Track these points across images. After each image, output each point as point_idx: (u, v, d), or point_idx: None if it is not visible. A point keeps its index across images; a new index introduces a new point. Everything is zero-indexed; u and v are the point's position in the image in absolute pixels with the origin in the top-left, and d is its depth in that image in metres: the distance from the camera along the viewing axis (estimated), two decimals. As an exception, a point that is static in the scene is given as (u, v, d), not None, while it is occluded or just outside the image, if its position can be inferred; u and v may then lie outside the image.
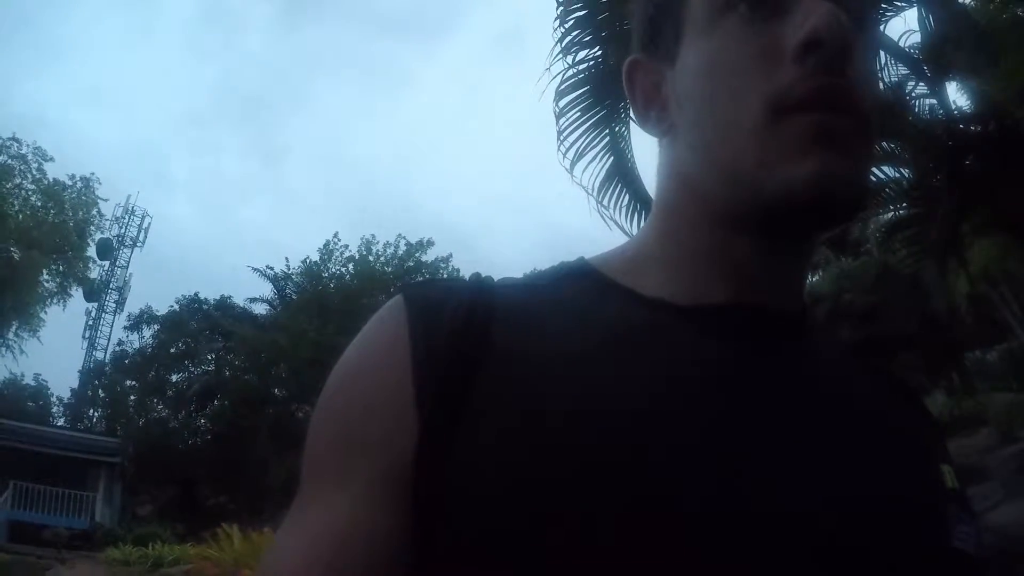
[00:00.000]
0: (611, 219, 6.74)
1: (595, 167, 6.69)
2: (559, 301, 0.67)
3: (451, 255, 33.34)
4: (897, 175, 7.92)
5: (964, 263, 7.90)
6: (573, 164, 6.60)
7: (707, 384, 0.61)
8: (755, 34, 0.63)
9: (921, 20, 7.05)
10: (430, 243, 32.64)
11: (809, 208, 0.60)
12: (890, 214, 9.06)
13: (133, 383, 32.75)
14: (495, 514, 0.53)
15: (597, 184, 6.72)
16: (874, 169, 7.76)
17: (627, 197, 7.00)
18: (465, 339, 0.60)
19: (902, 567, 0.57)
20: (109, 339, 36.59)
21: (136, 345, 33.90)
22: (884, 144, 7.61)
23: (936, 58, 6.93)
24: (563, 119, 6.46)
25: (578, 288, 0.69)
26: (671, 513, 0.53)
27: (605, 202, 6.89)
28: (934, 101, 7.25)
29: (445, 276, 31.96)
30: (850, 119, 0.61)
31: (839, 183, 0.60)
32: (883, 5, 6.41)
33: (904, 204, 8.22)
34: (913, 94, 7.11)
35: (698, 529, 0.53)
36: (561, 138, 6.53)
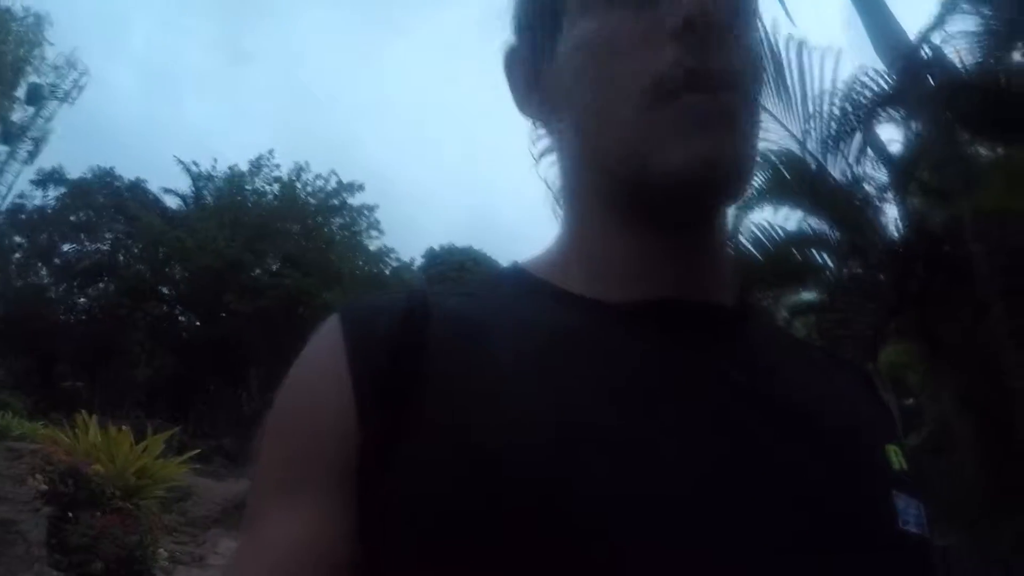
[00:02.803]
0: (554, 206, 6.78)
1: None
2: (492, 307, 0.67)
3: (378, 205, 32.74)
4: (825, 263, 8.20)
5: (875, 360, 8.20)
6: (542, 155, 6.59)
7: (637, 387, 0.60)
8: (632, 18, 0.63)
9: (907, 135, 7.35)
10: (360, 187, 31.82)
11: (696, 188, 0.61)
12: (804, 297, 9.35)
13: (23, 241, 31.10)
14: (422, 536, 0.54)
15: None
16: (813, 252, 8.09)
17: None
18: (401, 349, 0.61)
19: (850, 557, 0.56)
20: (11, 189, 34.60)
21: (37, 203, 32.22)
22: (833, 232, 7.91)
23: (910, 171, 7.21)
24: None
25: (512, 292, 0.71)
26: (596, 550, 0.52)
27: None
28: (894, 209, 7.54)
29: (365, 225, 31.98)
30: (729, 98, 0.61)
31: (723, 162, 0.61)
32: (879, 111, 6.64)
33: (824, 291, 8.49)
34: (882, 197, 7.37)
35: (623, 559, 0.52)
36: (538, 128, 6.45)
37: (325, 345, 0.64)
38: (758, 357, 0.68)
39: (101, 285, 29.48)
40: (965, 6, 6.07)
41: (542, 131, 0.77)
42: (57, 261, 30.56)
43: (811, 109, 6.86)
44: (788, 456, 0.59)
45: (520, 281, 0.73)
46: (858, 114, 6.68)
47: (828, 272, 8.27)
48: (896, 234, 7.40)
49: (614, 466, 0.55)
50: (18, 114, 30.17)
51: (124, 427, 11.16)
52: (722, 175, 0.62)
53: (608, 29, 0.65)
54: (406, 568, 0.54)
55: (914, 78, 5.96)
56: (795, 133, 7.13)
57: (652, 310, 0.65)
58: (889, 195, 7.39)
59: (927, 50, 6.16)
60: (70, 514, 8.26)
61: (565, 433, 0.55)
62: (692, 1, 0.60)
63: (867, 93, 6.53)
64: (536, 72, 0.73)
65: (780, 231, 7.87)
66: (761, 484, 0.56)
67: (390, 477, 0.56)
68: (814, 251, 8.15)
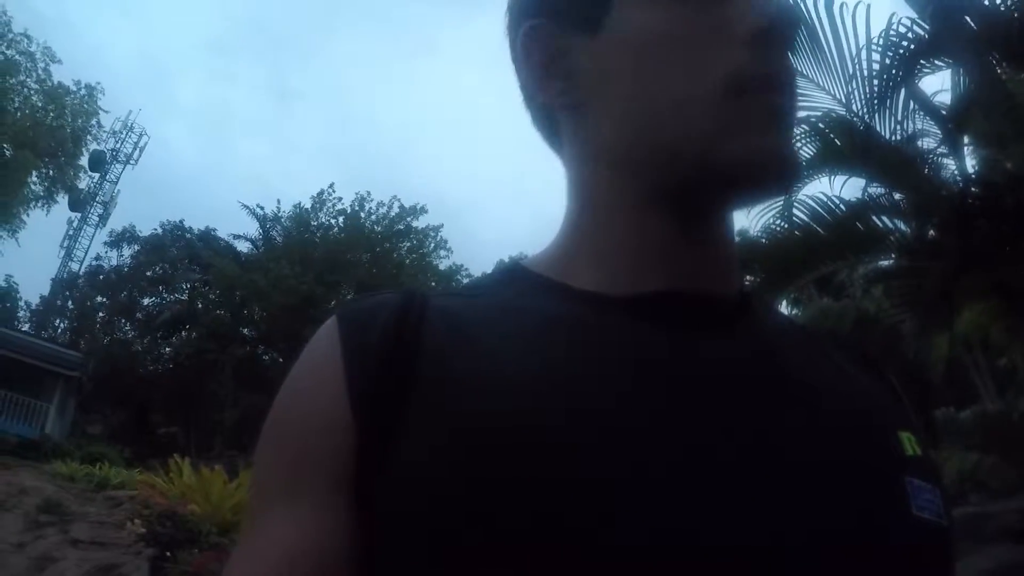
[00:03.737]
0: None
1: None
2: (491, 305, 0.67)
3: (442, 225, 33.12)
4: (893, 226, 7.97)
5: (951, 323, 7.94)
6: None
7: (640, 378, 0.59)
8: (705, 11, 0.64)
9: (954, 82, 7.10)
10: (423, 210, 32.28)
11: (760, 177, 0.63)
12: (880, 263, 9.12)
13: (104, 300, 32.39)
14: (421, 538, 0.53)
15: None
16: (875, 218, 7.87)
17: None
18: (396, 351, 0.60)
19: (860, 544, 0.55)
20: (87, 252, 35.98)
21: (114, 263, 33.55)
22: (892, 195, 7.69)
23: (962, 121, 6.96)
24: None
25: (511, 289, 0.70)
26: (599, 547, 0.51)
27: None
28: (951, 162, 7.30)
29: (433, 245, 32.16)
30: (791, 103, 0.65)
31: (789, 159, 0.64)
32: (921, 61, 6.44)
33: (893, 256, 8.26)
34: (937, 152, 7.15)
35: (628, 552, 0.51)
36: None
37: (321, 348, 0.64)
38: (764, 346, 0.67)
39: (183, 334, 30.41)
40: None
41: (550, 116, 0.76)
42: (139, 316, 31.78)
43: (851, 69, 6.69)
44: (796, 443, 0.58)
45: (519, 278, 0.72)
46: (900, 67, 6.48)
47: (893, 237, 8.02)
48: (956, 188, 7.15)
49: (617, 460, 0.54)
50: (84, 182, 31.36)
51: (217, 467, 11.48)
52: (786, 169, 0.64)
53: (676, 21, 0.65)
54: (406, 571, 0.54)
55: (950, 21, 5.76)
56: (839, 96, 6.96)
57: (656, 301, 0.65)
58: (944, 149, 7.15)
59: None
60: (169, 553, 8.52)
61: (565, 429, 0.55)
62: (772, 10, 0.63)
63: (904, 43, 6.34)
64: (563, 55, 0.71)
65: (838, 200, 7.69)
66: (768, 472, 0.56)
67: (387, 479, 0.56)
68: (876, 217, 7.93)
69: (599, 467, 0.53)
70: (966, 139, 7.27)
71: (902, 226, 7.91)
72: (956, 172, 7.32)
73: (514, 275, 0.73)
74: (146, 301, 32.39)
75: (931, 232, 7.41)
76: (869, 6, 6.24)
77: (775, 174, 0.63)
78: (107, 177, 35.18)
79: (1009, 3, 6.03)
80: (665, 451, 0.54)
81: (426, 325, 0.63)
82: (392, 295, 0.68)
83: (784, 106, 0.64)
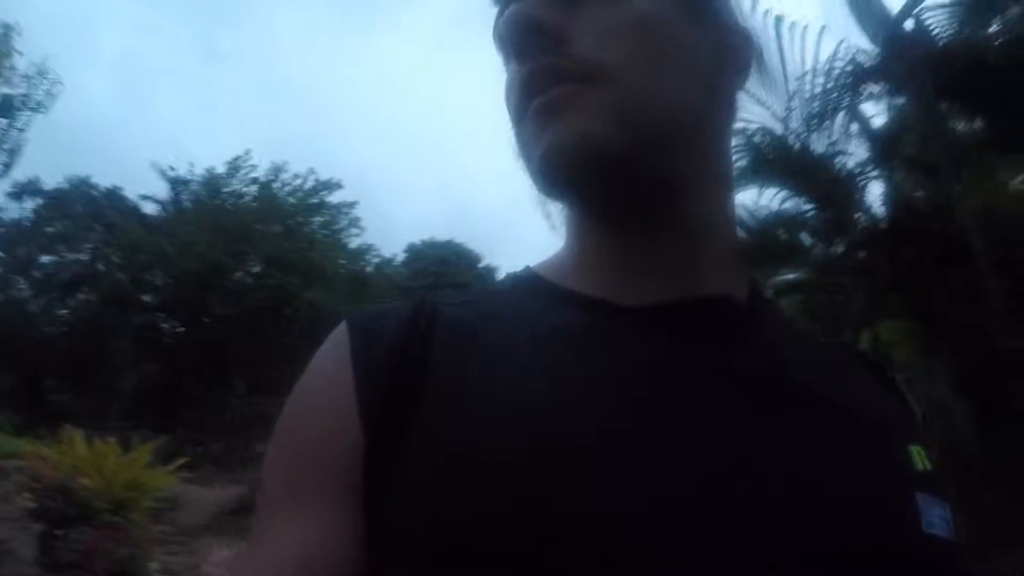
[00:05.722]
0: (544, 206, 6.87)
1: None
2: (501, 312, 0.68)
3: (357, 203, 32.56)
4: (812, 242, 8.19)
5: (877, 338, 8.20)
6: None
7: (647, 386, 0.59)
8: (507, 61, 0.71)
9: (890, 109, 7.36)
10: (339, 185, 31.50)
11: (554, 181, 0.65)
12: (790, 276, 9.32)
13: (0, 255, 30.84)
14: (428, 544, 0.53)
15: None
16: (798, 234, 8.08)
17: None
18: (405, 359, 0.61)
19: (871, 560, 0.55)
20: (-14, 202, 34.29)
21: (13, 216, 31.89)
22: (818, 212, 7.89)
23: (895, 147, 7.20)
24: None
25: (523, 296, 0.71)
26: (601, 555, 0.50)
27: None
28: (880, 186, 7.53)
29: (345, 222, 31.82)
30: (560, 89, 0.63)
31: (559, 150, 0.63)
32: (864, 86, 6.63)
33: (804, 270, 8.48)
34: (868, 174, 7.35)
35: (631, 565, 0.50)
36: None
37: (331, 355, 0.65)
38: (772, 353, 0.66)
39: (82, 296, 29.18)
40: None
41: None
42: (36, 274, 30.23)
43: (793, 88, 6.81)
44: (803, 454, 0.58)
45: (531, 285, 0.73)
46: (842, 90, 6.65)
47: (816, 251, 8.24)
48: (883, 211, 7.40)
49: (624, 468, 0.54)
50: (-11, 126, 29.73)
51: (111, 439, 11.02)
52: (563, 162, 0.63)
53: (508, 72, 0.71)
54: None
55: (898, 51, 5.94)
56: (778, 112, 7.07)
57: (660, 310, 0.65)
58: (875, 172, 7.38)
59: (911, 23, 6.15)
60: (60, 531, 8.16)
61: (573, 437, 0.55)
62: (504, 20, 0.66)
63: (850, 68, 6.51)
64: None
65: (765, 210, 7.87)
66: (777, 484, 0.55)
67: (392, 497, 0.56)
68: (797, 233, 8.14)
69: (604, 501, 0.52)
70: (899, 164, 7.51)
71: (818, 242, 8.15)
72: (885, 195, 7.56)
73: (527, 282, 0.74)
74: (45, 259, 30.71)
75: (859, 252, 7.62)
76: (823, 27, 6.41)
77: (565, 168, 0.64)
78: (15, 124, 33.18)
79: (945, 39, 6.26)
80: (675, 480, 0.54)
81: (435, 334, 0.63)
82: (403, 303, 0.69)
83: (540, 105, 0.64)
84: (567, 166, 0.63)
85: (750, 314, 0.69)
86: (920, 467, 0.64)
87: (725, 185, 0.74)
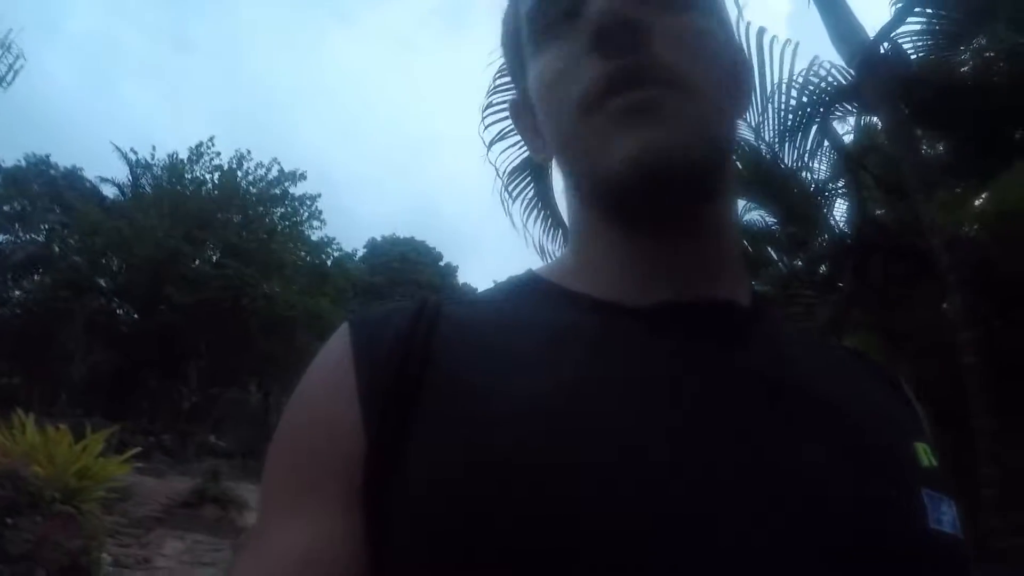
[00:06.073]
0: (508, 206, 7.09)
1: (512, 152, 6.83)
2: (505, 312, 0.68)
3: (319, 195, 32.30)
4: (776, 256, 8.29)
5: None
6: (491, 144, 6.72)
7: (653, 387, 0.59)
8: (563, 44, 0.67)
9: (859, 127, 7.49)
10: (303, 176, 31.32)
11: (636, 185, 0.62)
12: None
13: (-46, 233, 30.05)
14: (430, 544, 0.53)
15: (507, 170, 6.91)
16: (767, 247, 8.18)
17: (532, 191, 7.19)
18: (407, 361, 0.61)
19: (879, 557, 0.55)
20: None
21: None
22: (786, 226, 7.98)
23: (864, 164, 7.31)
24: (494, 95, 6.55)
25: (526, 298, 0.71)
26: (607, 553, 0.50)
27: (510, 189, 7.09)
28: (847, 202, 7.65)
29: (306, 215, 31.48)
30: (655, 91, 0.62)
31: (654, 155, 0.61)
32: (837, 105, 6.74)
33: (772, 283, 8.58)
34: (838, 190, 7.46)
35: (635, 563, 0.50)
36: (485, 114, 6.69)
37: (333, 356, 0.65)
38: (776, 354, 0.67)
39: (36, 277, 28.61)
40: (918, 8, 6.20)
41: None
42: (-11, 253, 29.59)
43: (767, 100, 6.89)
44: (812, 453, 0.58)
45: (535, 287, 0.73)
46: (815, 106, 6.74)
47: (781, 264, 8.33)
48: (849, 228, 7.50)
49: (630, 468, 0.54)
50: (-53, 100, 28.96)
51: (62, 426, 10.81)
52: (657, 168, 0.61)
53: (547, 61, 0.69)
54: None
55: (874, 72, 6.03)
56: (750, 123, 7.14)
57: (669, 311, 0.65)
58: (842, 188, 7.49)
59: (885, 46, 6.25)
60: (9, 520, 7.98)
61: (578, 436, 0.55)
62: (596, 10, 0.64)
63: (824, 85, 6.61)
64: (532, 117, 0.77)
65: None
66: (784, 482, 0.55)
67: (396, 486, 0.56)
68: (766, 246, 8.22)
69: (609, 501, 0.52)
70: (867, 181, 7.62)
71: (782, 256, 8.26)
72: (849, 211, 7.67)
73: (529, 284, 0.74)
74: (0, 238, 30.25)
75: (823, 267, 7.73)
76: (797, 44, 6.50)
77: (651, 175, 0.62)
78: (-28, 98, 32.30)
79: (917, 64, 6.39)
80: (681, 480, 0.54)
81: (437, 335, 0.63)
82: (405, 304, 0.68)
83: (634, 101, 0.62)
84: (660, 170, 0.61)
85: (754, 316, 0.70)
86: (926, 464, 0.64)
87: (733, 192, 0.75)
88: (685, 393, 0.59)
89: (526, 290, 0.73)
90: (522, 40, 0.74)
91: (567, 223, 0.79)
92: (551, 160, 0.77)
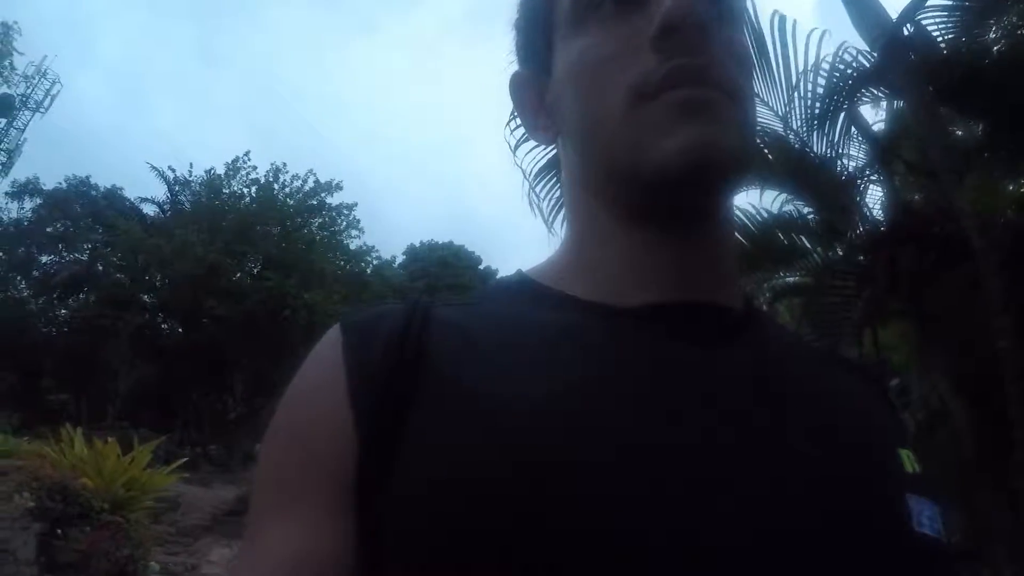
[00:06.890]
0: (538, 208, 6.97)
1: (537, 152, 6.85)
2: (495, 314, 0.68)
3: (356, 204, 32.50)
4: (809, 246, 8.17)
5: (876, 342, 8.19)
6: (517, 145, 6.70)
7: (644, 388, 0.60)
8: (617, 28, 0.67)
9: (890, 112, 7.35)
10: (339, 186, 31.39)
11: (686, 177, 0.62)
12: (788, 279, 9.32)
13: (1, 255, 30.86)
14: (422, 546, 0.53)
15: (535, 171, 6.92)
16: (798, 236, 8.07)
17: (559, 192, 7.17)
18: (399, 361, 0.61)
19: (863, 558, 0.55)
20: (-15, 202, 34.12)
21: (13, 215, 31.76)
22: (818, 214, 7.87)
23: (895, 150, 7.19)
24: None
25: (515, 299, 0.71)
26: (600, 553, 0.51)
27: (538, 190, 7.10)
28: (881, 189, 7.52)
29: (344, 224, 31.74)
30: (711, 92, 0.63)
31: (710, 149, 0.62)
32: (863, 89, 6.63)
33: (801, 273, 8.47)
34: (868, 177, 7.34)
35: (629, 560, 0.51)
36: (513, 115, 6.50)
37: (325, 357, 0.65)
38: (765, 356, 0.68)
39: (81, 296, 29.16)
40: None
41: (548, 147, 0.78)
42: (36, 274, 30.24)
43: (793, 88, 6.80)
44: (799, 456, 0.59)
45: (524, 289, 0.73)
46: (841, 92, 6.64)
47: (815, 255, 8.21)
48: (883, 215, 7.38)
49: (622, 468, 0.54)
50: (-12, 126, 29.62)
51: (110, 439, 11.02)
52: (710, 162, 0.62)
53: (593, 43, 0.68)
54: None
55: (896, 54, 5.94)
56: (778, 112, 7.06)
57: (659, 312, 0.65)
58: (875, 175, 7.36)
59: (909, 27, 6.15)
60: (59, 530, 8.15)
61: (569, 436, 0.55)
62: (670, 6, 0.63)
63: (850, 71, 6.51)
64: (539, 95, 0.77)
65: (765, 213, 7.82)
66: (772, 484, 0.56)
67: (389, 486, 0.56)
68: (797, 235, 8.11)
69: (601, 500, 0.52)
70: (899, 167, 7.50)
71: (817, 246, 8.13)
72: (884, 198, 7.54)
73: (519, 285, 0.75)
74: (44, 259, 30.81)
75: (859, 256, 7.60)
76: (824, 32, 6.40)
77: (697, 171, 0.62)
78: (14, 123, 33.11)
79: (944, 43, 6.27)
80: (671, 481, 0.54)
81: (429, 336, 0.63)
82: (396, 305, 0.68)
83: (693, 97, 0.63)
84: (712, 164, 0.63)
85: (744, 319, 0.70)
86: (910, 469, 0.66)
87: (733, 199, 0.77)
88: (672, 392, 0.60)
89: (515, 291, 0.73)
90: (556, 18, 0.73)
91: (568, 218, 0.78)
92: (554, 141, 0.78)
